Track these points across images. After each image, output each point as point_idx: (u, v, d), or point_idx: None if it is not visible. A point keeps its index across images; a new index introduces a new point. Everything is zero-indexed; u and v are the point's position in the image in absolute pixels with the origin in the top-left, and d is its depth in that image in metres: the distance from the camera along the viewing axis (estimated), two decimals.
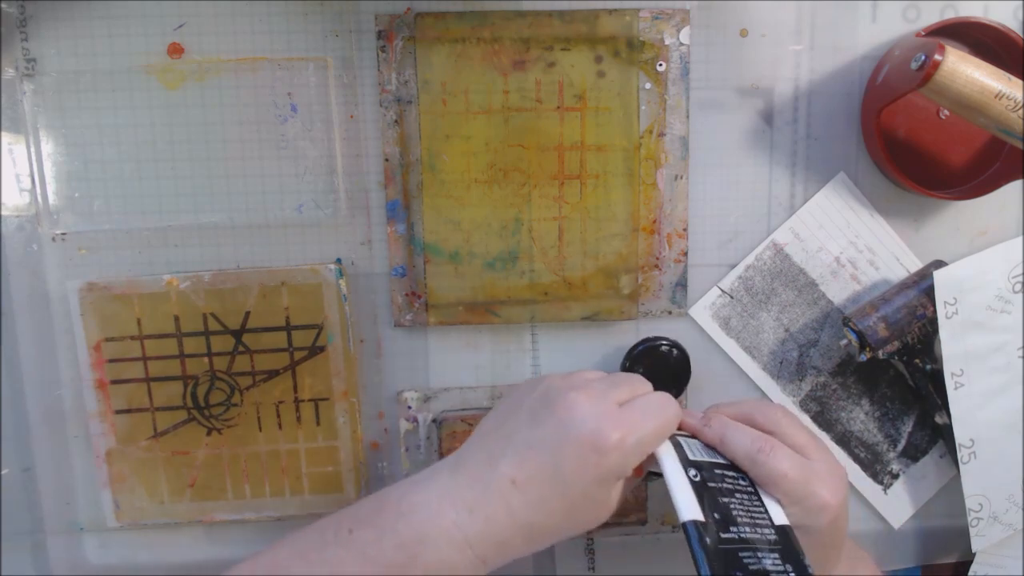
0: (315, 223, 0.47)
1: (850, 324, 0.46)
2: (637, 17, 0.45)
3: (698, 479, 0.36)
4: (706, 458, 0.38)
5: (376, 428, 0.49)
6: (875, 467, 0.51)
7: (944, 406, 0.47)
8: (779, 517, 0.37)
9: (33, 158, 0.45)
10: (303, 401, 0.47)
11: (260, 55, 0.45)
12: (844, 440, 0.50)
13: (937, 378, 0.47)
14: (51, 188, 0.46)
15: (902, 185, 0.46)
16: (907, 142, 0.47)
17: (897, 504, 0.51)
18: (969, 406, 0.47)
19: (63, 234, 0.46)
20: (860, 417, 0.50)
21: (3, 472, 0.48)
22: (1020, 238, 0.47)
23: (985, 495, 0.48)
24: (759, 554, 0.35)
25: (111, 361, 0.46)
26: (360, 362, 0.48)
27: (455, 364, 0.49)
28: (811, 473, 0.37)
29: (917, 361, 0.47)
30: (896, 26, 0.46)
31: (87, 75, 0.44)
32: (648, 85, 0.45)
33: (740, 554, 0.34)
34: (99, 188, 0.46)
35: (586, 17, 0.44)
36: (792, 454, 0.38)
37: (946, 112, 0.47)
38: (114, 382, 0.46)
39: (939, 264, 0.46)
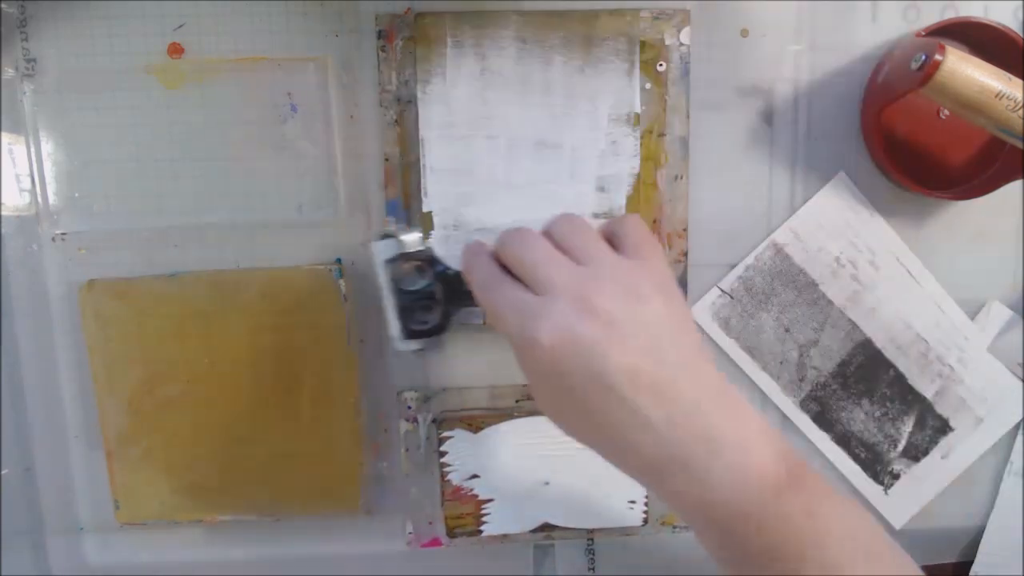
0: (315, 223, 0.47)
1: None
2: (637, 17, 0.45)
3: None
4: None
5: (376, 428, 0.49)
6: (876, 467, 0.50)
7: None
8: None
9: (33, 158, 0.45)
10: (303, 401, 0.47)
11: (260, 55, 0.45)
12: (844, 440, 0.50)
13: None
14: (51, 188, 0.46)
15: (902, 185, 0.46)
16: (907, 142, 0.47)
17: (898, 505, 0.51)
18: None
19: (63, 234, 0.46)
20: (860, 417, 0.50)
21: (3, 472, 0.48)
22: None
23: None
24: None
25: (111, 361, 0.46)
26: (360, 362, 0.48)
27: (455, 364, 0.49)
28: (526, 308, 0.32)
29: None
30: (896, 26, 0.46)
31: (87, 75, 0.44)
32: (648, 85, 0.45)
33: None
34: (99, 188, 0.46)
35: (586, 17, 0.44)
36: (513, 288, 0.34)
37: (946, 112, 0.47)
38: (114, 382, 0.46)
39: None
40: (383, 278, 0.40)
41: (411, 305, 0.40)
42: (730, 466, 0.31)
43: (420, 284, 0.40)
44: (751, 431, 0.32)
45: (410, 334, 0.40)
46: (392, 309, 0.40)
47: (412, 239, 0.40)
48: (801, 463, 0.32)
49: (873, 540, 0.32)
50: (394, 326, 0.41)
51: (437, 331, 0.41)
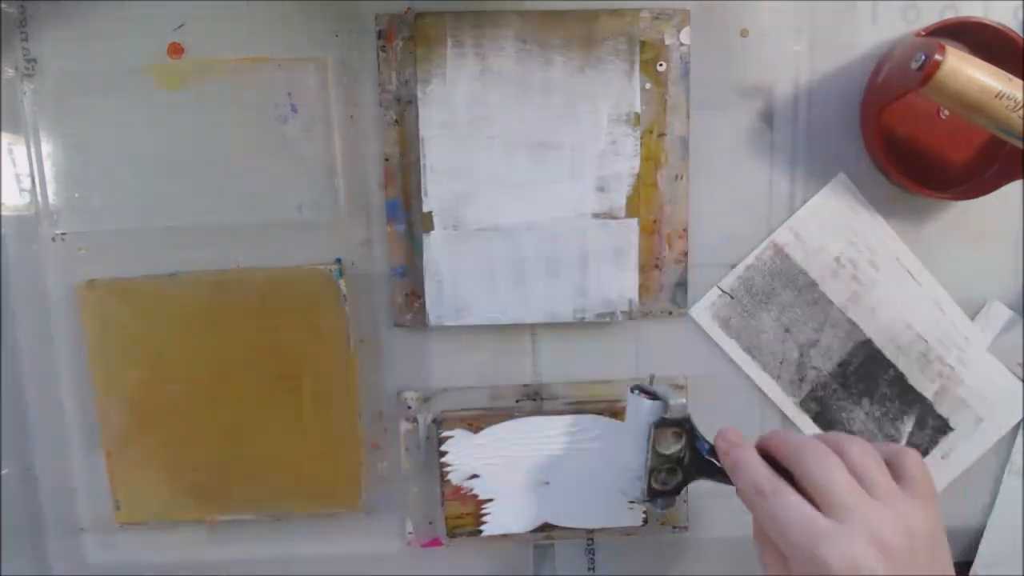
0: (315, 223, 0.47)
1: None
2: (637, 17, 0.45)
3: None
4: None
5: (376, 428, 0.49)
6: None
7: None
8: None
9: (33, 158, 0.45)
10: (303, 401, 0.47)
11: (260, 55, 0.45)
12: None
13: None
14: (51, 188, 0.46)
15: (902, 185, 0.46)
16: (907, 142, 0.47)
17: None
18: None
19: (63, 234, 0.46)
20: (860, 417, 0.50)
21: (3, 472, 0.48)
22: None
23: None
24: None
25: (111, 361, 0.46)
26: (360, 362, 0.48)
27: (455, 364, 0.49)
28: (819, 530, 0.33)
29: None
30: (896, 26, 0.46)
31: (87, 75, 0.44)
32: (648, 85, 0.45)
33: None
34: (99, 188, 0.46)
35: (586, 17, 0.44)
36: (799, 502, 0.34)
37: (946, 112, 0.47)
38: (114, 382, 0.46)
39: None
40: (643, 440, 0.41)
41: (660, 467, 0.41)
42: None
43: (674, 449, 0.41)
44: None
45: (652, 492, 0.41)
46: (644, 469, 0.41)
47: (679, 405, 0.41)
48: None
49: None
50: (636, 484, 0.42)
51: (674, 492, 0.42)
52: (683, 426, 0.41)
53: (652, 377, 0.44)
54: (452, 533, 0.49)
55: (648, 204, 0.47)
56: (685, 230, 0.47)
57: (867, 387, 0.50)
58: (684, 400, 0.43)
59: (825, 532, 0.33)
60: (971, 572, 0.51)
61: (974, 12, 0.45)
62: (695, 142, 0.47)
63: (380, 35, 0.45)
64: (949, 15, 0.45)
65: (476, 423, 0.48)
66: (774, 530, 0.34)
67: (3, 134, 0.45)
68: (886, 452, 0.37)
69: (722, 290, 0.49)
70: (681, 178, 0.47)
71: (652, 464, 0.41)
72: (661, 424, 0.40)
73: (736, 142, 0.47)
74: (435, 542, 0.50)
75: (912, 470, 0.36)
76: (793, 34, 0.46)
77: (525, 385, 0.49)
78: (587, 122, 0.45)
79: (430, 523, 0.50)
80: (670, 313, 0.48)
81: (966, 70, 0.39)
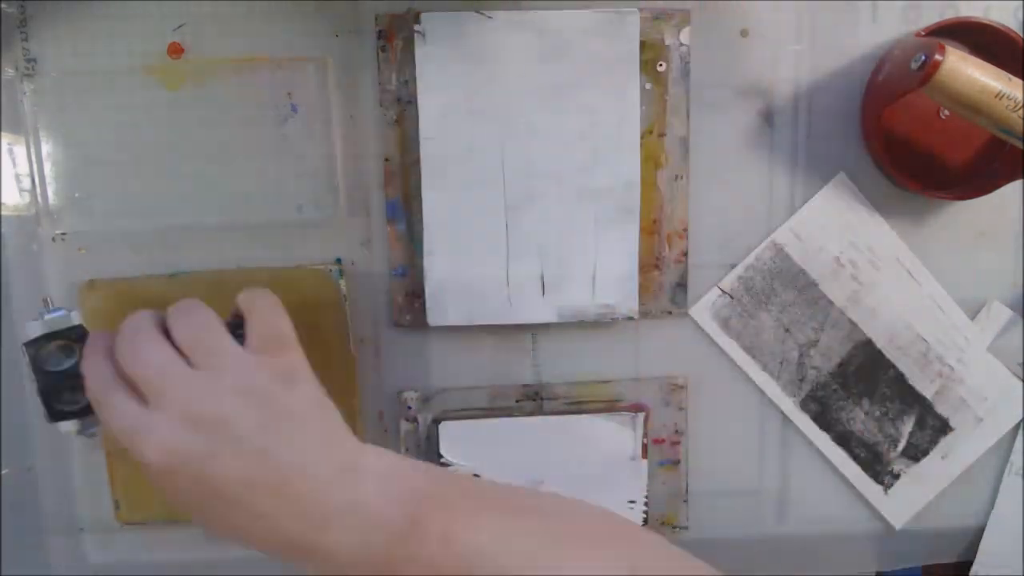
0: (315, 223, 0.47)
1: None
2: (637, 17, 0.45)
3: None
4: None
5: (376, 428, 0.49)
6: (876, 467, 0.50)
7: None
8: None
9: (33, 158, 0.45)
10: None
11: (260, 55, 0.45)
12: (844, 440, 0.50)
13: None
14: (51, 188, 0.46)
15: (902, 185, 0.46)
16: (907, 142, 0.47)
17: (898, 504, 0.51)
18: None
19: (63, 234, 0.46)
20: (860, 417, 0.50)
21: (3, 472, 0.48)
22: None
23: None
24: None
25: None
26: (360, 362, 0.48)
27: (455, 364, 0.49)
28: (136, 424, 0.30)
29: None
30: (896, 26, 0.46)
31: (87, 75, 0.44)
32: (648, 85, 0.45)
33: None
34: (99, 188, 0.46)
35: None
36: (124, 401, 0.31)
37: (946, 112, 0.47)
38: None
39: None
40: (24, 361, 0.36)
41: (57, 386, 0.36)
42: (351, 530, 0.31)
43: (66, 364, 0.36)
44: (368, 488, 0.32)
45: (58, 415, 0.36)
46: (35, 392, 0.36)
47: (56, 317, 0.36)
48: (431, 498, 0.32)
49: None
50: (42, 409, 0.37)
51: (90, 410, 0.35)
52: (70, 336, 0.36)
53: (46, 300, 0.39)
54: None
55: (648, 204, 0.47)
56: (685, 230, 0.47)
57: (867, 387, 0.50)
58: (65, 311, 0.37)
59: (138, 424, 0.30)
60: (971, 572, 0.51)
61: (974, 12, 0.45)
62: (695, 142, 0.47)
63: (380, 35, 0.45)
64: (949, 15, 0.45)
65: (476, 423, 0.48)
66: (120, 442, 0.31)
67: (3, 134, 0.45)
68: (240, 301, 0.34)
69: (722, 290, 0.49)
70: (681, 178, 0.47)
71: (44, 384, 0.36)
72: (39, 340, 0.36)
73: (736, 142, 0.47)
74: None
75: (256, 325, 0.33)
76: (793, 34, 0.46)
77: (525, 385, 0.49)
78: (587, 122, 0.45)
79: None
80: (670, 313, 0.48)
81: (966, 70, 0.39)
